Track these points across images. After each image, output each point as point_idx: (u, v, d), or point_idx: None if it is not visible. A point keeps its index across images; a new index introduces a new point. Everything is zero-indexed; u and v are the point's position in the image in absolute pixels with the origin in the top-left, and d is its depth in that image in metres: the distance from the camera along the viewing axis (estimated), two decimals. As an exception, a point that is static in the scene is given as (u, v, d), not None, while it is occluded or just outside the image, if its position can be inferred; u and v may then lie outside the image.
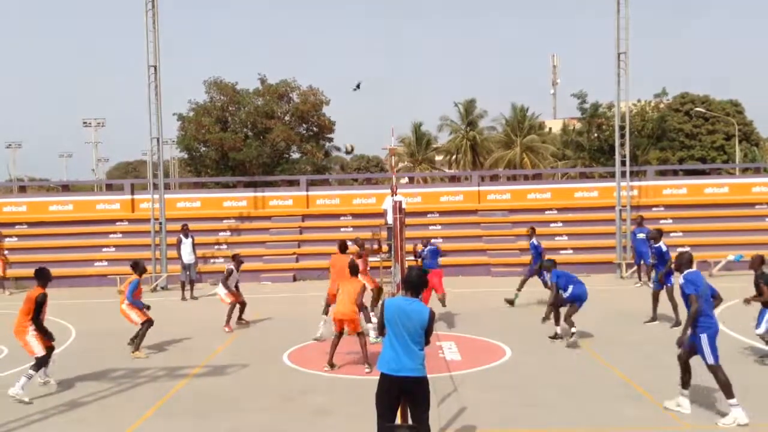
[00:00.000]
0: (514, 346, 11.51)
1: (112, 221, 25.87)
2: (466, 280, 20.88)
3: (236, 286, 14.12)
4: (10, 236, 24.82)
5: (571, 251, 23.39)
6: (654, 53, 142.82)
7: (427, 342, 6.01)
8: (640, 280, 19.19)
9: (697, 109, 52.42)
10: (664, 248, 13.47)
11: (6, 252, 22.16)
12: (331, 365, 10.22)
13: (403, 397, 5.92)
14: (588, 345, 11.55)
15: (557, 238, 24.15)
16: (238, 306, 14.08)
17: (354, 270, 11.01)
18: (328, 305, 12.34)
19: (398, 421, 6.06)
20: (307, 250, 24.31)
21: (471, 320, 14.10)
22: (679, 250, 13.56)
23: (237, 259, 14.62)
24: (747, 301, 10.15)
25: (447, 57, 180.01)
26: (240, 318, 14.26)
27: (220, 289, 14.06)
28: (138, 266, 12.26)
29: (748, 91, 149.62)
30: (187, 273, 18.92)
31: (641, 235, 18.73)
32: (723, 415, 7.61)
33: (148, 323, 11.84)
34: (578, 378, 9.51)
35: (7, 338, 13.33)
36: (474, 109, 60.65)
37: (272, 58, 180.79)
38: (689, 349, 7.89)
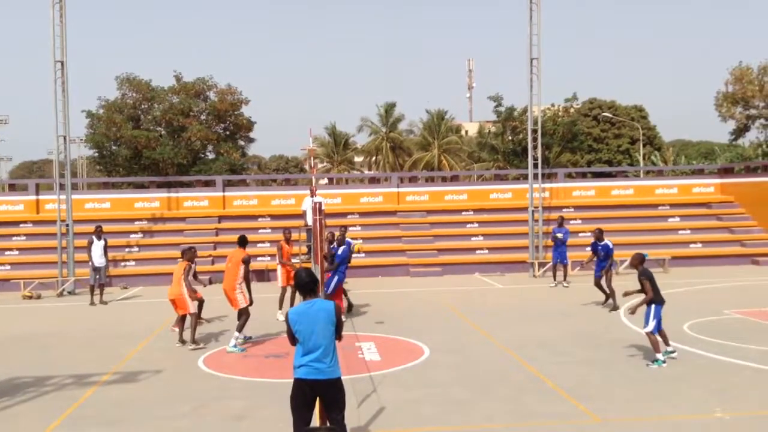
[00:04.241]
0: (432, 345, 11.66)
1: (16, 223, 24.61)
2: (385, 281, 21.03)
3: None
4: None
5: (486, 251, 23.96)
6: (565, 59, 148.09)
7: (339, 337, 5.92)
8: (555, 279, 19.35)
9: (605, 114, 54.82)
10: (611, 245, 15.83)
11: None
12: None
13: (319, 399, 5.87)
14: (503, 343, 11.84)
15: (473, 238, 24.68)
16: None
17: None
18: None
19: (316, 422, 6.02)
20: (223, 252, 23.81)
21: (390, 320, 14.19)
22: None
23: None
24: (626, 294, 11.12)
25: (367, 59, 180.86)
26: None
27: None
28: None
29: (652, 97, 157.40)
30: (97, 276, 18.16)
31: (560, 235, 19.18)
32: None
33: None
34: (494, 376, 9.73)
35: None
36: (393, 111, 61.30)
37: (189, 56, 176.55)
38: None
